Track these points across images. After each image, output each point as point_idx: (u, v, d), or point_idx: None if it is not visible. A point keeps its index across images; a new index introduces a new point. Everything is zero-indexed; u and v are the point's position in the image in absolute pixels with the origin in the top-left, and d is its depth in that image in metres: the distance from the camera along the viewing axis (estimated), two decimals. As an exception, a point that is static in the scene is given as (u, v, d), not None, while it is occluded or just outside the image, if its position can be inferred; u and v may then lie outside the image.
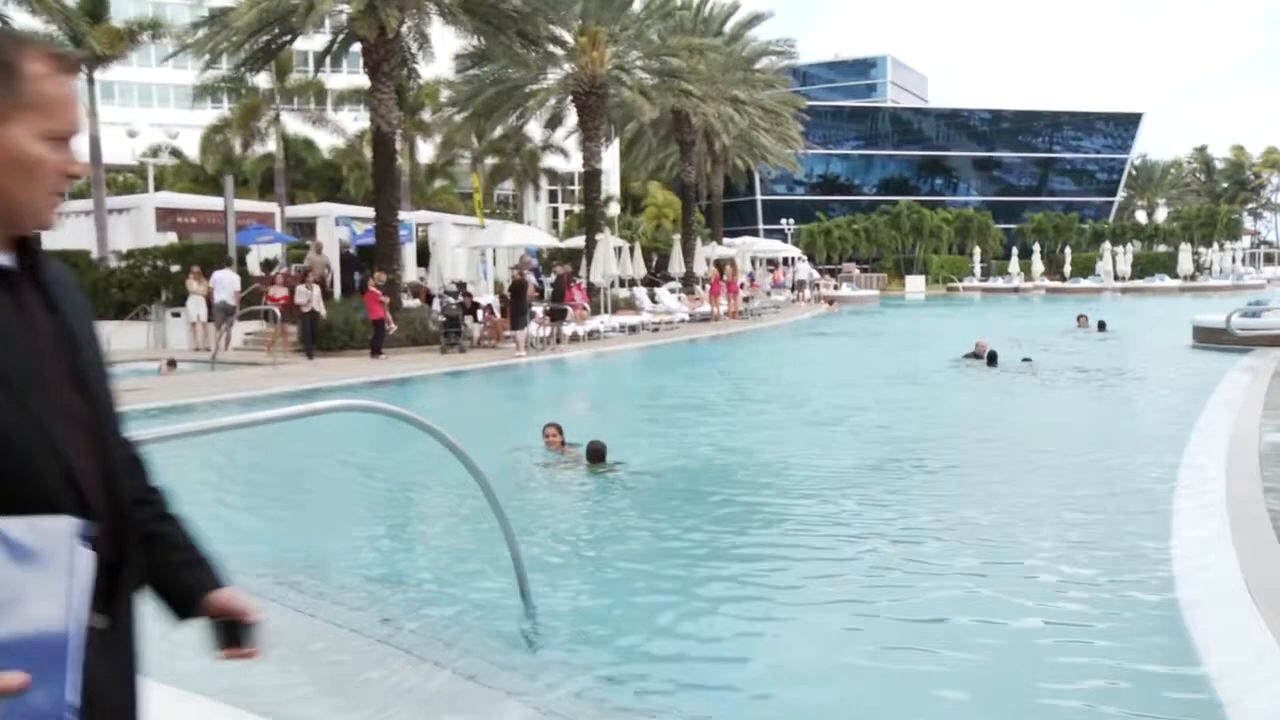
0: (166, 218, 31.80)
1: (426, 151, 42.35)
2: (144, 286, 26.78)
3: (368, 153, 37.03)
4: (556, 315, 24.88)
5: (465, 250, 32.41)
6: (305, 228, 33.57)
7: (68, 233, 31.06)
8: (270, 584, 6.87)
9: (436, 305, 25.25)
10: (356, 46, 26.27)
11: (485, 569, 7.10)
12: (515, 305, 22.92)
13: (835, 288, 54.10)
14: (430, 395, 17.49)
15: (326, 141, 45.27)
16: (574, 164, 38.30)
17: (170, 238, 30.47)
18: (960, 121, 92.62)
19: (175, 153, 47.19)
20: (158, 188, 39.32)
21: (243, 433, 9.65)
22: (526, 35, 27.38)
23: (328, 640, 5.71)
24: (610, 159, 38.81)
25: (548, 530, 8.23)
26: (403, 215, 27.30)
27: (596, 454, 10.35)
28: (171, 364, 20.01)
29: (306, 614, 6.17)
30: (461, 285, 28.64)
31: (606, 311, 29.32)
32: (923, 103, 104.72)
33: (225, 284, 23.78)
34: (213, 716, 4.35)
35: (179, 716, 4.22)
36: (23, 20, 32.61)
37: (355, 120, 39.36)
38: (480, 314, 25.26)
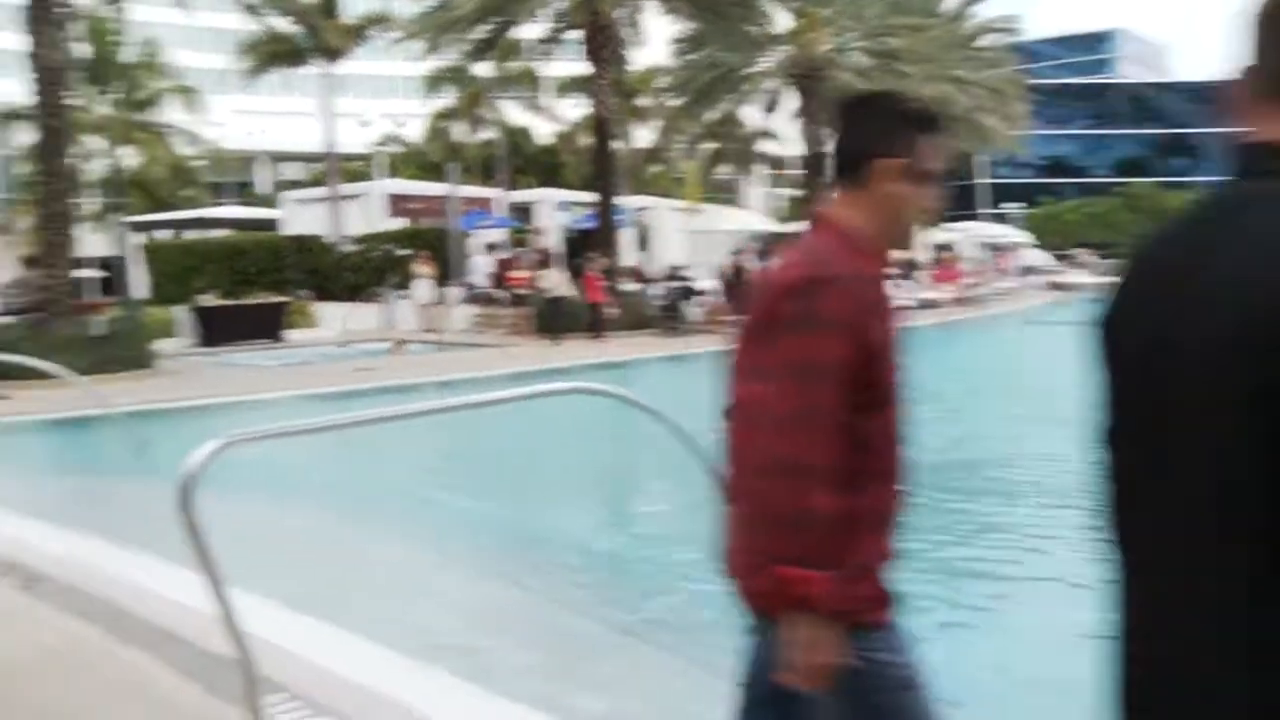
0: (397, 204, 32.89)
1: (643, 137, 42.45)
2: (373, 269, 27.69)
3: (584, 139, 37.39)
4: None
5: (683, 235, 32.26)
6: (524, 212, 34.10)
7: (305, 219, 32.55)
8: (493, 566, 6.89)
9: (655, 289, 25.16)
10: (573, 34, 26.46)
11: (707, 559, 6.77)
12: (736, 290, 22.59)
13: (1065, 275, 51.52)
14: (649, 379, 17.31)
15: (543, 128, 45.96)
16: (793, 148, 37.65)
17: (400, 223, 31.47)
18: (1205, 95, 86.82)
19: (403, 141, 48.86)
20: (388, 175, 40.79)
21: (466, 413, 9.75)
22: (744, 19, 26.99)
23: (554, 623, 5.76)
24: (830, 142, 38.24)
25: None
26: (621, 200, 27.33)
27: None
28: (401, 344, 20.55)
29: (532, 597, 6.21)
30: (679, 269, 28.47)
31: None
32: (1161, 76, 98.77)
33: (480, 267, 24.47)
34: (445, 690, 4.30)
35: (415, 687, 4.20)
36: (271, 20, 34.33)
37: (575, 107, 39.78)
38: (699, 298, 25.03)
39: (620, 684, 4.80)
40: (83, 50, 33.42)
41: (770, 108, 38.02)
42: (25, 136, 31.77)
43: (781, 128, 39.01)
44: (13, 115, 34.44)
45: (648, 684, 4.90)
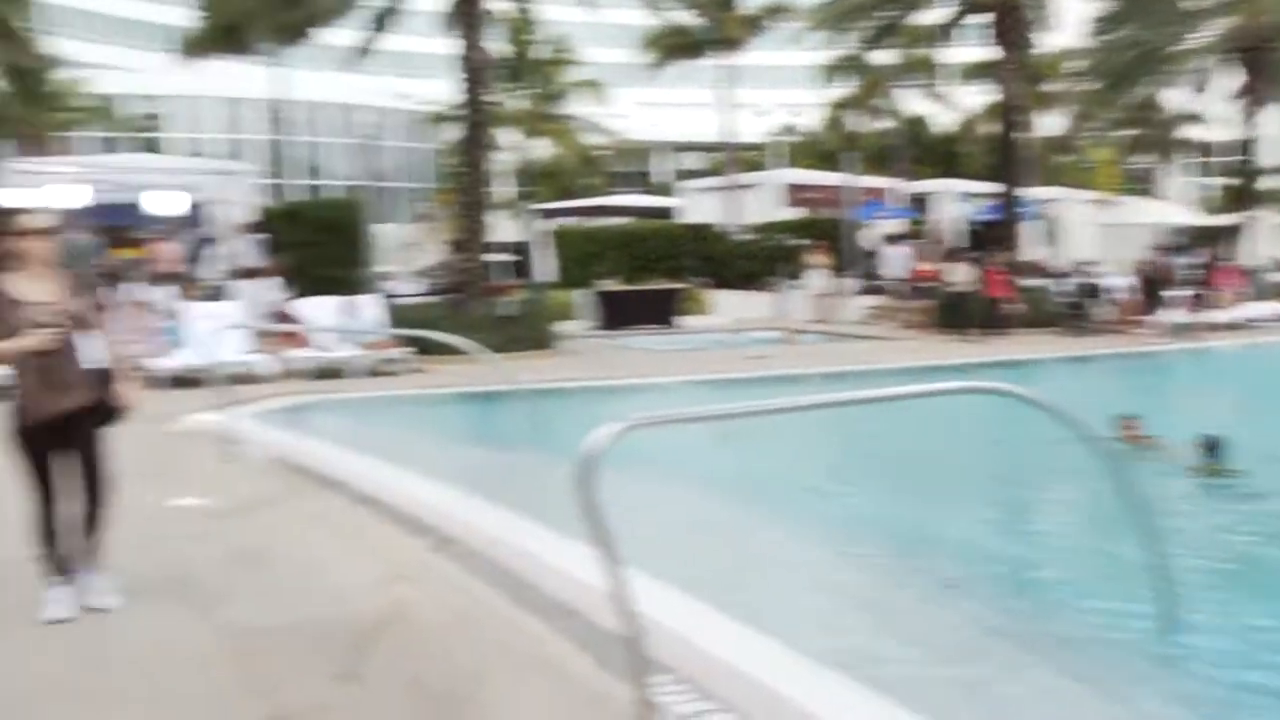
0: (794, 193, 32.95)
1: (1050, 124, 40.28)
2: (767, 258, 27.86)
3: (986, 127, 35.89)
4: (1200, 301, 22.29)
5: (1093, 228, 30.24)
6: (920, 203, 33.19)
7: (702, 207, 33.30)
8: (882, 566, 6.66)
9: (1060, 285, 23.69)
10: (976, 18, 25.45)
11: (1111, 572, 6.19)
12: (1151, 289, 20.86)
13: None
14: (1050, 380, 16.23)
15: (941, 117, 44.72)
16: (1221, 132, 34.31)
17: (796, 212, 31.50)
18: None
19: (799, 131, 49.06)
20: (784, 165, 41.07)
21: (853, 407, 9.48)
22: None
23: (948, 632, 5.51)
24: (1270, 124, 34.25)
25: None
26: (1025, 191, 25.94)
27: (1210, 449, 8.83)
28: (794, 333, 20.55)
29: (924, 603, 5.99)
30: (1087, 265, 26.67)
31: (1263, 298, 25.72)
32: None
33: (896, 258, 24.14)
34: (837, 692, 4.11)
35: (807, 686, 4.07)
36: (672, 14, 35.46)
37: (976, 94, 38.36)
38: (1108, 296, 23.31)
39: (1027, 713, 4.40)
40: (501, 50, 35.94)
41: (1200, 88, 34.83)
42: (449, 133, 34.61)
43: (1210, 110, 35.62)
44: (441, 117, 37.61)
45: (1054, 714, 4.46)
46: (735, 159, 37.51)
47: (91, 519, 5.24)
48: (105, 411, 5.25)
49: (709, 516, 7.97)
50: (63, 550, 5.24)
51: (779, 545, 7.22)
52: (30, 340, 4.96)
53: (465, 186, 19.56)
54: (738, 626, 4.82)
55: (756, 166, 41.23)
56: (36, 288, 5.11)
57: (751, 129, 44.63)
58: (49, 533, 5.23)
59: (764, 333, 20.99)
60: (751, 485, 9.00)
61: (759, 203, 32.56)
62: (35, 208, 6.80)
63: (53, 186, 16.80)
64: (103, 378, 5.22)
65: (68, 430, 5.13)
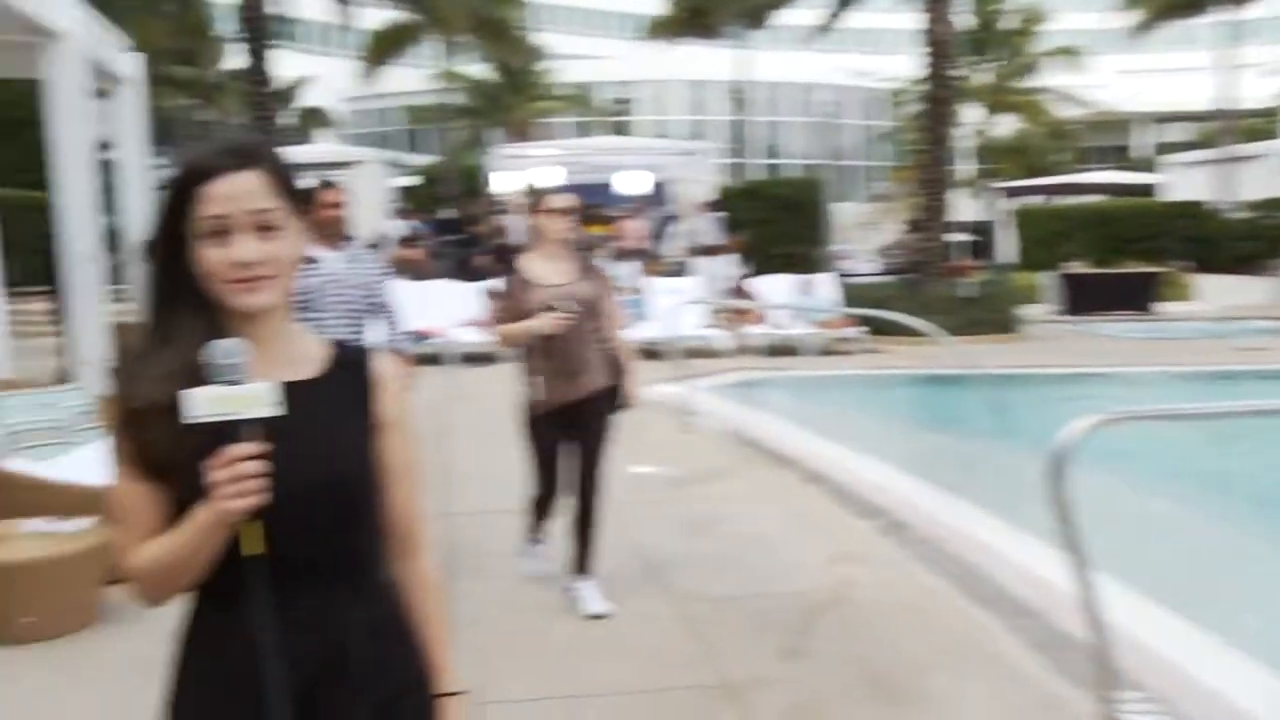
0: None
1: None
2: (1267, 239, 25.14)
3: None
4: None
5: None
6: None
7: (1190, 183, 30.56)
8: None
9: None
10: None
11: None
12: None
13: None
14: None
15: None
16: None
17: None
18: None
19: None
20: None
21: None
22: None
23: None
24: None
25: None
26: None
27: None
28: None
29: None
30: None
31: None
32: None
33: None
34: None
35: None
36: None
37: None
38: None
39: None
40: (966, 22, 34.78)
41: None
42: (909, 109, 34.00)
43: None
44: (901, 94, 36.98)
45: None
46: (1232, 128, 33.94)
47: (585, 525, 5.10)
48: (616, 398, 5.15)
49: (1184, 522, 7.28)
50: (548, 519, 5.39)
51: (1266, 561, 6.44)
52: (539, 323, 4.89)
53: (925, 164, 19.12)
54: (1218, 646, 4.39)
55: (1258, 135, 37.10)
56: (551, 269, 5.05)
57: (1255, 93, 40.13)
58: (541, 507, 5.33)
59: (1260, 322, 18.90)
60: (1235, 491, 8.12)
61: (1262, 176, 29.27)
62: (557, 188, 6.82)
63: (534, 169, 18.28)
64: (614, 364, 5.15)
65: (579, 416, 5.05)
